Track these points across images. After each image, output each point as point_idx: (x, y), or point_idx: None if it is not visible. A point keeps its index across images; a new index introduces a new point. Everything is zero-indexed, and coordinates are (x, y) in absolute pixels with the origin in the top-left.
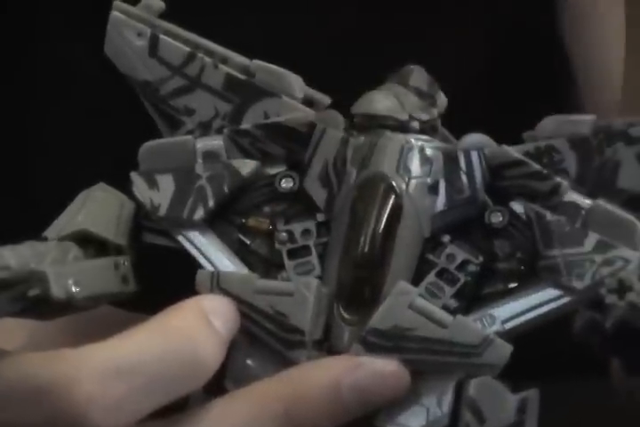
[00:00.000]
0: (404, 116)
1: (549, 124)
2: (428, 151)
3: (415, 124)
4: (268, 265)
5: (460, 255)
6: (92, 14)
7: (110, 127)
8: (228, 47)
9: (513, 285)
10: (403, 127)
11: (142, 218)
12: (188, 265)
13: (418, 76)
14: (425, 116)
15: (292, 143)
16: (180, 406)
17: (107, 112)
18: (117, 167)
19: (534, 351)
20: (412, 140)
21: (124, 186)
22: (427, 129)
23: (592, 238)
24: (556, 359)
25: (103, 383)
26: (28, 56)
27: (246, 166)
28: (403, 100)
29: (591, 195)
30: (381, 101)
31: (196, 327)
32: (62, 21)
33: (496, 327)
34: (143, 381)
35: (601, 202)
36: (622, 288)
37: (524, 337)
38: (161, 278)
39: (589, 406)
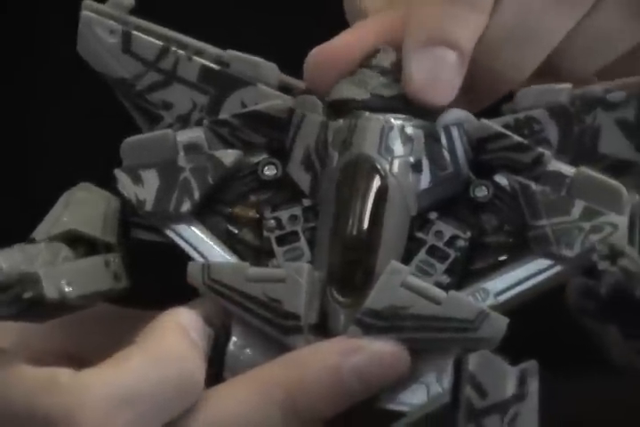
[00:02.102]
0: (364, 96)
1: (527, 94)
2: (409, 130)
3: (377, 101)
4: (257, 253)
5: (449, 231)
6: None
7: (110, 127)
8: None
9: (503, 257)
10: (366, 106)
11: (129, 214)
12: (178, 258)
13: (382, 55)
14: (388, 92)
15: (272, 130)
16: None
17: (107, 112)
18: (117, 167)
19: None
20: (392, 120)
21: (109, 184)
22: (399, 106)
23: (578, 206)
24: (559, 353)
25: (106, 415)
26: (27, 56)
27: (229, 156)
28: (367, 81)
29: (574, 163)
30: (345, 86)
31: (184, 349)
32: (62, 21)
33: (490, 301)
34: (145, 407)
35: (584, 169)
36: (614, 254)
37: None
38: (151, 273)
39: (593, 401)
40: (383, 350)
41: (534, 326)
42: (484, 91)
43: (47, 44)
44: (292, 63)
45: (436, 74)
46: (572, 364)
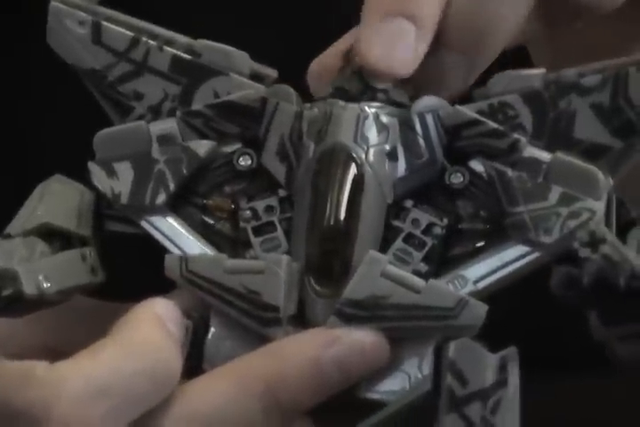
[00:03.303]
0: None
1: (500, 80)
2: (384, 118)
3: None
4: (234, 244)
5: (425, 219)
6: None
7: (109, 125)
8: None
9: (480, 244)
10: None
11: (104, 207)
12: (154, 251)
13: None
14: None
15: (245, 120)
16: None
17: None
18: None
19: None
20: (366, 108)
21: (83, 176)
22: (371, 93)
23: (555, 192)
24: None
25: (81, 406)
26: (24, 51)
27: (203, 147)
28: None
29: (549, 148)
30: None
31: (160, 340)
32: None
33: (469, 288)
34: (119, 400)
35: (560, 155)
36: (595, 241)
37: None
38: (128, 266)
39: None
40: (362, 339)
41: (516, 314)
42: (480, 50)
43: (44, 39)
44: (293, 64)
45: (393, 45)
46: (557, 352)
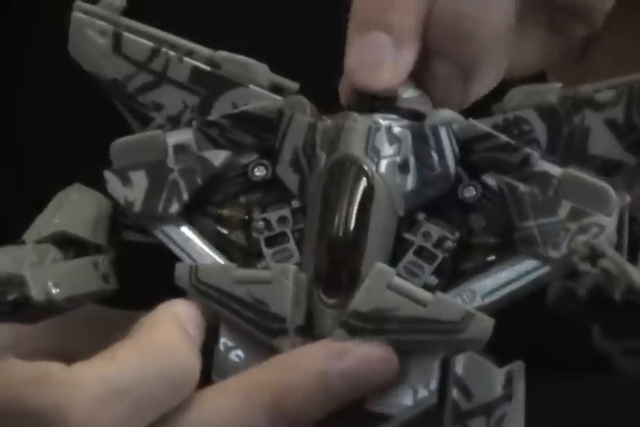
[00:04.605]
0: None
1: (516, 94)
2: (396, 130)
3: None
4: (246, 255)
5: (436, 232)
6: None
7: (107, 121)
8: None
9: (491, 258)
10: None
11: (120, 215)
12: (169, 260)
13: None
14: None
15: (261, 131)
16: None
17: (103, 105)
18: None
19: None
20: (380, 120)
21: (101, 185)
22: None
23: (565, 207)
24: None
25: (97, 408)
26: (22, 48)
27: (218, 157)
28: None
29: (563, 163)
30: None
31: (179, 342)
32: (60, 19)
33: (477, 302)
34: (135, 402)
35: (572, 170)
36: (594, 255)
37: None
38: (143, 274)
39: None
40: (371, 353)
41: (522, 328)
42: (466, 54)
43: (42, 34)
44: (292, 65)
45: (370, 59)
46: (560, 365)
